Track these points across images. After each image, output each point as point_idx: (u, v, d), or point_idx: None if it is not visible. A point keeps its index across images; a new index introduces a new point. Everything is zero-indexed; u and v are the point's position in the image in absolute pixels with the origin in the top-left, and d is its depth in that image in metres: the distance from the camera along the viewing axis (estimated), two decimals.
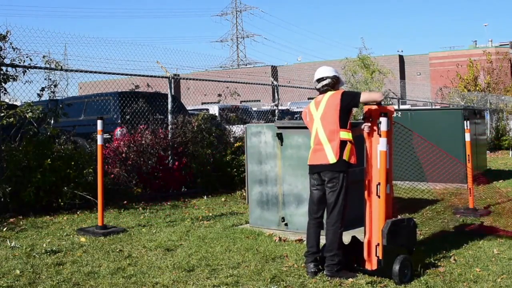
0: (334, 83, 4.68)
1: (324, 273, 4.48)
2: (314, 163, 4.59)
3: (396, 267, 4.25)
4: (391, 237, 4.34)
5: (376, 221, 4.42)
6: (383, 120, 4.37)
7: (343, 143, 4.45)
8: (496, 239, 5.75)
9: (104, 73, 9.39)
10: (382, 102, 4.56)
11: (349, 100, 4.50)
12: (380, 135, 4.40)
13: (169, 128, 9.65)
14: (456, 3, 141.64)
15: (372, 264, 4.44)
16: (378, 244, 4.38)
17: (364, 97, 4.49)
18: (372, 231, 4.46)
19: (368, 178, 4.52)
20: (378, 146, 4.41)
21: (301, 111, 5.15)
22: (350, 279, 4.34)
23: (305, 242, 5.59)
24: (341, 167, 4.46)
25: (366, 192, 4.55)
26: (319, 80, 4.70)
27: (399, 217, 7.26)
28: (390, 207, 4.52)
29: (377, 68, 20.11)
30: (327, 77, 4.67)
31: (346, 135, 4.47)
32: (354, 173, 6.57)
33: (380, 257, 4.35)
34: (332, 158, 4.45)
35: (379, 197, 4.41)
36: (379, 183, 4.40)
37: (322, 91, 4.69)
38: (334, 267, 4.42)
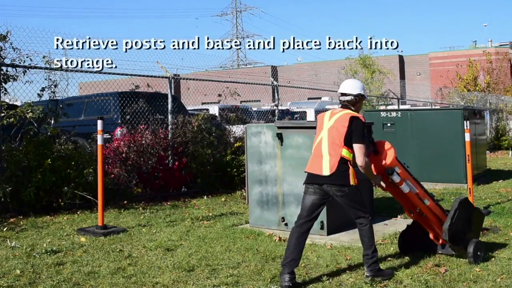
0: (356, 101, 4.61)
1: (365, 274, 4.37)
2: (311, 171, 4.48)
3: (471, 249, 4.78)
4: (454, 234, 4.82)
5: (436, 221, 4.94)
6: (394, 177, 4.59)
7: (342, 160, 4.36)
8: (496, 239, 5.75)
9: (104, 73, 9.40)
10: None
11: (353, 133, 4.39)
12: (398, 185, 4.65)
13: (169, 128, 9.65)
14: (456, 3, 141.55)
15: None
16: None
17: (360, 153, 4.36)
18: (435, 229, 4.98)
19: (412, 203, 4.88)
20: (403, 189, 4.69)
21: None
22: (389, 276, 4.39)
23: None
24: (340, 180, 4.35)
25: (416, 211, 4.94)
26: (343, 94, 4.64)
27: (398, 217, 7.30)
28: (437, 209, 4.95)
29: (377, 68, 20.15)
30: (350, 94, 4.60)
31: (347, 153, 4.37)
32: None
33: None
34: (326, 170, 4.35)
35: (423, 214, 4.90)
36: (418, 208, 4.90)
37: (343, 105, 4.64)
38: (376, 265, 4.37)
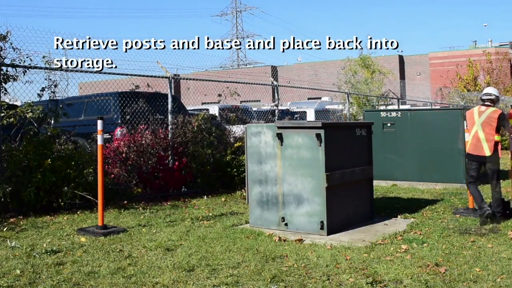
0: (495, 101, 6.89)
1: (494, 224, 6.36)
2: (474, 153, 6.79)
3: None
4: None
5: None
6: None
7: (496, 143, 6.66)
8: (496, 239, 5.76)
9: (104, 73, 9.39)
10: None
11: (501, 123, 6.69)
12: None
13: (169, 128, 9.65)
14: (456, 3, 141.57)
15: None
16: None
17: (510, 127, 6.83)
18: None
19: None
20: None
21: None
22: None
23: (305, 242, 5.76)
24: (495, 158, 6.65)
25: None
26: (486, 95, 6.91)
27: (398, 217, 7.31)
28: None
29: (377, 68, 20.13)
30: (493, 94, 6.88)
31: (498, 138, 6.69)
32: (353, 173, 6.60)
33: None
34: (487, 152, 6.66)
35: None
36: None
37: (486, 104, 6.87)
38: (501, 218, 6.52)
